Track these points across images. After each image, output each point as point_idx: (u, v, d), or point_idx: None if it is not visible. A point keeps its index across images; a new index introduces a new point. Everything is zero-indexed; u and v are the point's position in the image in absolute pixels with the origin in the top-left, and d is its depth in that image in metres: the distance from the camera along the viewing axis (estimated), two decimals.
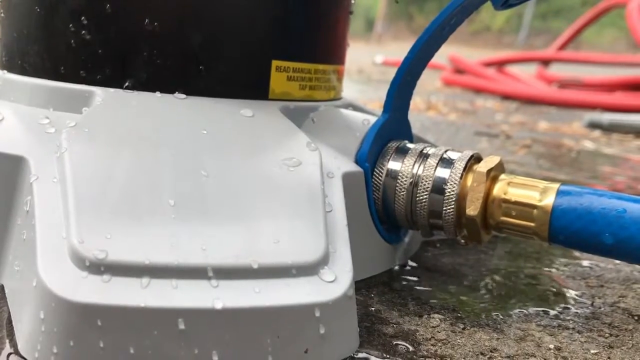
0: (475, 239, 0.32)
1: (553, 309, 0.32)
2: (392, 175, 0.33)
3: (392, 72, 0.33)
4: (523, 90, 1.87)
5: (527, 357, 0.27)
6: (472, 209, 0.31)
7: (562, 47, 2.33)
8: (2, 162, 0.28)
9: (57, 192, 0.25)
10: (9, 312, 0.26)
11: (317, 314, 0.24)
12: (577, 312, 0.32)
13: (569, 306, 0.33)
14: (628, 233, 0.28)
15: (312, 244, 0.26)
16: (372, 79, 2.37)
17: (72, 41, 0.32)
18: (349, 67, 0.44)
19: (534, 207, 0.30)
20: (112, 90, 0.31)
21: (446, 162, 0.32)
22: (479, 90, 2.01)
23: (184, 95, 0.32)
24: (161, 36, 0.31)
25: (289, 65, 0.34)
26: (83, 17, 0.31)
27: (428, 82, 2.23)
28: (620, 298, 0.34)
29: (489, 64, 2.27)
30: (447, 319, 0.30)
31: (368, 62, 3.39)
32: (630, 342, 0.29)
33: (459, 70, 2.24)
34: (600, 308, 0.33)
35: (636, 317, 0.32)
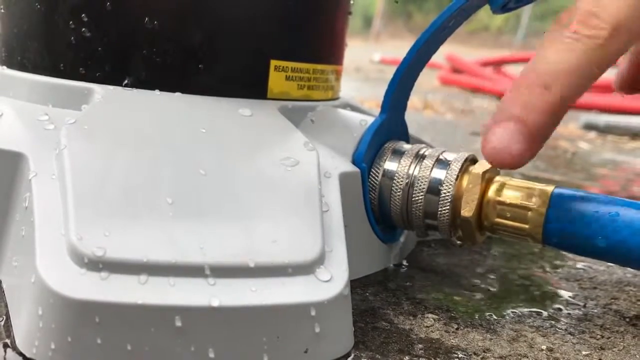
0: (470, 240, 0.32)
1: (546, 310, 0.32)
2: (389, 175, 0.33)
3: (389, 71, 0.33)
4: None
5: (519, 357, 0.27)
6: (467, 210, 0.31)
7: None
8: (0, 159, 0.28)
9: (56, 189, 0.26)
10: (7, 308, 0.26)
11: (313, 312, 0.24)
12: (569, 314, 0.32)
13: (561, 307, 0.33)
14: (620, 237, 0.29)
15: (308, 243, 0.26)
16: (370, 77, 2.37)
17: (72, 38, 0.32)
18: (346, 65, 0.44)
19: (528, 209, 0.30)
20: (111, 87, 0.32)
21: (442, 164, 0.32)
22: (476, 90, 2.01)
23: (182, 94, 0.32)
24: (161, 34, 0.32)
25: (287, 65, 0.34)
26: (83, 14, 0.31)
27: (425, 81, 2.23)
28: (613, 300, 0.35)
29: (486, 64, 2.27)
30: (441, 319, 0.30)
31: (366, 60, 3.39)
32: (622, 344, 0.29)
33: (457, 70, 2.24)
34: (592, 310, 0.33)
35: (627, 319, 0.32)
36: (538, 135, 0.28)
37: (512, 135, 0.27)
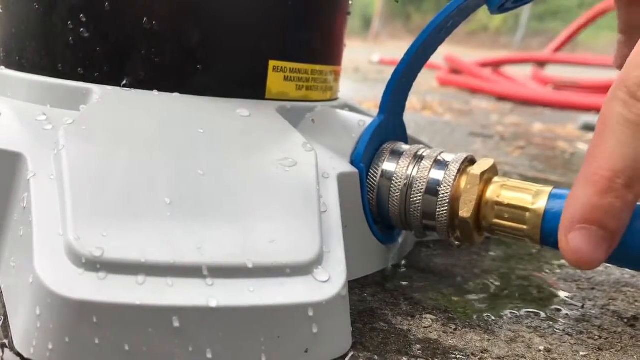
0: (468, 241, 0.32)
1: (544, 311, 0.32)
2: (387, 176, 0.33)
3: (388, 71, 0.33)
4: (518, 92, 1.88)
5: (517, 358, 0.27)
6: (465, 211, 0.31)
7: (559, 48, 2.34)
8: None
9: (54, 189, 0.26)
10: (5, 308, 0.26)
11: (311, 313, 0.24)
12: (567, 315, 0.32)
13: (559, 308, 0.33)
14: None
15: (306, 244, 0.26)
16: (369, 77, 2.37)
17: (71, 38, 0.32)
18: (345, 66, 0.44)
19: (526, 210, 0.30)
20: (109, 88, 0.32)
21: (440, 164, 0.32)
22: (474, 91, 2.02)
23: (181, 94, 0.32)
24: (159, 34, 0.32)
25: (286, 65, 0.34)
26: (82, 15, 0.31)
27: (424, 81, 2.23)
28: (610, 301, 0.35)
29: (485, 65, 2.27)
30: (439, 319, 0.30)
31: (365, 61, 3.39)
32: (619, 344, 0.29)
33: (455, 71, 2.25)
34: (590, 310, 0.33)
35: (625, 320, 0.32)
36: (618, 237, 0.27)
37: (595, 241, 0.26)
